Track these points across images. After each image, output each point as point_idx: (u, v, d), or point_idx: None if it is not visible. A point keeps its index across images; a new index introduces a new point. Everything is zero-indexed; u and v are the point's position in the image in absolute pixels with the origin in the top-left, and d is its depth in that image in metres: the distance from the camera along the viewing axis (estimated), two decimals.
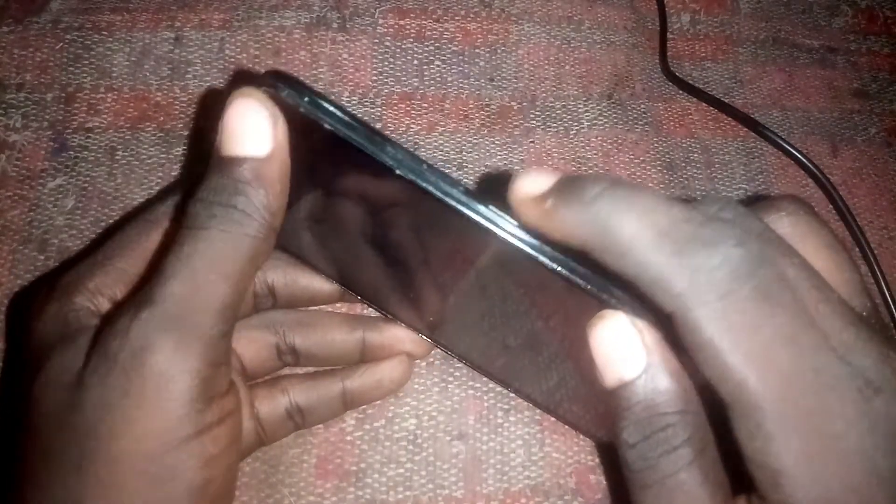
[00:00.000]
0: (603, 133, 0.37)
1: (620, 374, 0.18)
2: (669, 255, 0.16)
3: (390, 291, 0.26)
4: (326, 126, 0.19)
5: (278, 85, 0.19)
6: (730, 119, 0.39)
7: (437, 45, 0.37)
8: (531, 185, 0.19)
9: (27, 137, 0.32)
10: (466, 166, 0.34)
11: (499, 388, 0.29)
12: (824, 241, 0.19)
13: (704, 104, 0.39)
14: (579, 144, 0.36)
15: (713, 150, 0.38)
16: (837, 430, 0.16)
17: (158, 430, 0.19)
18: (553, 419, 0.29)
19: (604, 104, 0.38)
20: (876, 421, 0.16)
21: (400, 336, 0.27)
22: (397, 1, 0.38)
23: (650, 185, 0.36)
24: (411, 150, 0.19)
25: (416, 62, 0.37)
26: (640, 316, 0.19)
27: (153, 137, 0.33)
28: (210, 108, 0.34)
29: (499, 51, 0.38)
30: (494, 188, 0.34)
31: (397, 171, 0.19)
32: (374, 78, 0.36)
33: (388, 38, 0.37)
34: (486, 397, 0.30)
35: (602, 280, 0.19)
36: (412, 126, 0.35)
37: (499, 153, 0.35)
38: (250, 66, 0.35)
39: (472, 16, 0.39)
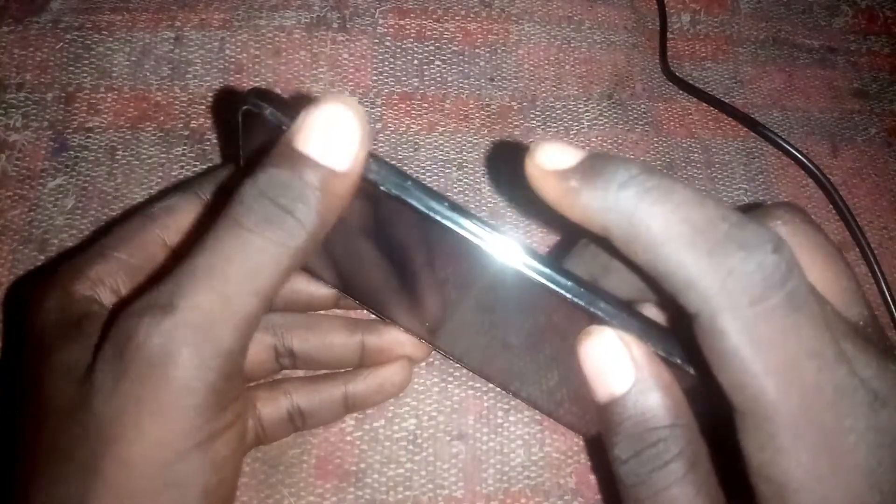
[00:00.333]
0: (603, 133, 0.37)
1: (610, 390, 0.18)
2: (702, 255, 0.16)
3: (388, 296, 0.26)
4: None
5: (261, 105, 0.19)
6: (730, 119, 0.39)
7: (437, 45, 0.37)
8: (554, 158, 0.18)
9: (27, 137, 0.32)
10: (466, 166, 0.34)
11: (499, 388, 0.29)
12: (822, 249, 0.19)
13: (704, 104, 0.39)
14: (579, 144, 0.36)
15: (713, 150, 0.38)
16: (849, 445, 0.16)
17: (171, 438, 0.18)
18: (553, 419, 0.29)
19: (604, 104, 0.38)
20: (883, 435, 0.16)
21: (399, 339, 0.27)
22: (397, 1, 0.38)
23: None
24: (395, 164, 0.19)
25: (416, 62, 0.37)
26: (628, 329, 0.18)
27: (153, 137, 0.33)
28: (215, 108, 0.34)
29: (499, 51, 0.38)
30: (506, 166, 0.34)
31: (381, 188, 0.19)
32: (375, 78, 0.36)
33: (389, 38, 0.37)
34: (486, 397, 0.30)
35: (589, 293, 0.19)
36: (412, 126, 0.35)
37: (499, 153, 0.35)
38: (250, 65, 0.35)
39: (472, 16, 0.39)
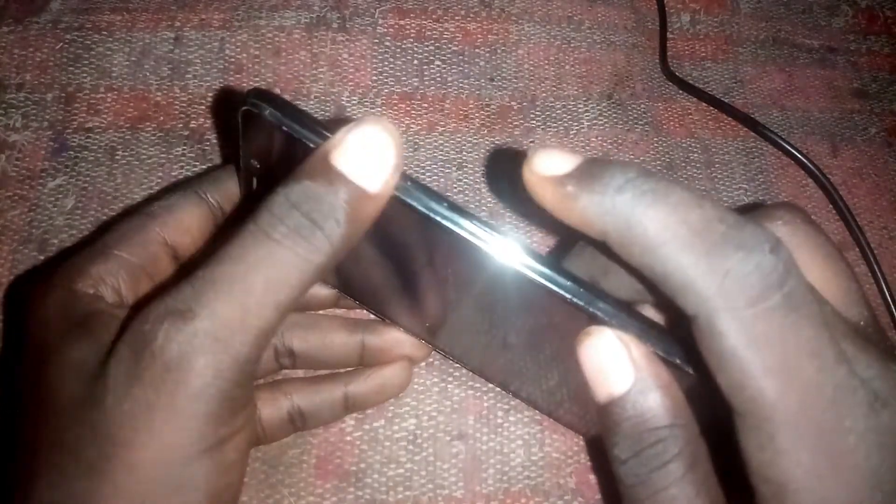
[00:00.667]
0: (603, 133, 0.37)
1: (609, 390, 0.18)
2: (700, 256, 0.16)
3: (388, 297, 0.26)
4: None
5: (261, 105, 0.19)
6: (730, 119, 0.39)
7: (437, 45, 0.37)
8: (550, 164, 0.18)
9: (27, 137, 0.32)
10: (466, 166, 0.34)
11: (499, 388, 0.29)
12: (822, 249, 0.19)
13: (704, 104, 0.39)
14: (579, 144, 0.36)
15: (713, 149, 0.38)
16: (849, 445, 0.16)
17: (181, 442, 0.18)
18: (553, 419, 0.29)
19: (604, 104, 0.38)
20: (884, 435, 0.16)
21: (399, 339, 0.27)
22: (397, 1, 0.38)
23: None
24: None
25: (416, 62, 0.37)
26: (627, 329, 0.18)
27: (153, 137, 0.33)
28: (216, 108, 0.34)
29: (499, 51, 0.38)
30: (500, 178, 0.34)
31: None
32: (374, 78, 0.36)
33: (388, 38, 0.37)
34: (486, 397, 0.30)
35: (588, 293, 0.19)
36: (412, 126, 0.35)
37: (499, 153, 0.35)
38: (250, 65, 0.35)
39: (472, 16, 0.39)
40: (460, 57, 0.37)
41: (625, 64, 0.39)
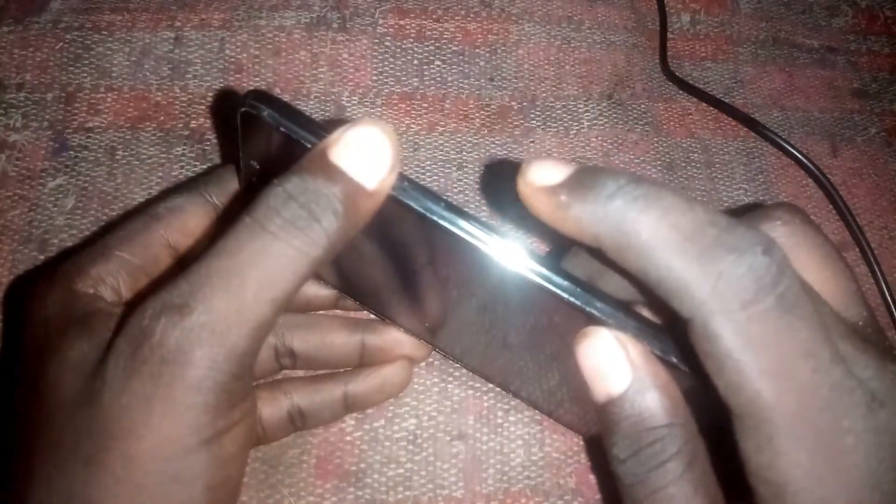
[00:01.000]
0: (603, 133, 0.37)
1: (608, 390, 0.18)
2: (692, 260, 0.16)
3: (388, 297, 0.26)
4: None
5: (259, 106, 0.19)
6: (730, 119, 0.39)
7: (437, 45, 0.37)
8: (543, 174, 0.18)
9: (27, 137, 0.32)
10: (466, 166, 0.35)
11: (499, 388, 0.29)
12: (821, 249, 0.19)
13: (704, 104, 0.39)
14: (579, 144, 0.36)
15: (713, 150, 0.38)
16: (847, 445, 0.16)
17: (179, 434, 0.18)
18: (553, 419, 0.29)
19: (604, 104, 0.38)
20: (881, 435, 0.16)
21: (399, 339, 0.27)
22: (397, 1, 0.38)
23: None
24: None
25: (416, 62, 0.37)
26: (625, 329, 0.18)
27: (153, 137, 0.33)
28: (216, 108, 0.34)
29: (499, 51, 0.38)
30: (500, 178, 0.34)
31: None
32: (374, 78, 0.36)
33: (389, 38, 0.37)
34: (486, 397, 0.30)
35: (586, 293, 0.19)
36: (412, 126, 0.35)
37: (499, 153, 0.35)
38: (250, 65, 0.35)
39: (472, 16, 0.39)
40: (460, 57, 0.37)
41: (625, 64, 0.39)
